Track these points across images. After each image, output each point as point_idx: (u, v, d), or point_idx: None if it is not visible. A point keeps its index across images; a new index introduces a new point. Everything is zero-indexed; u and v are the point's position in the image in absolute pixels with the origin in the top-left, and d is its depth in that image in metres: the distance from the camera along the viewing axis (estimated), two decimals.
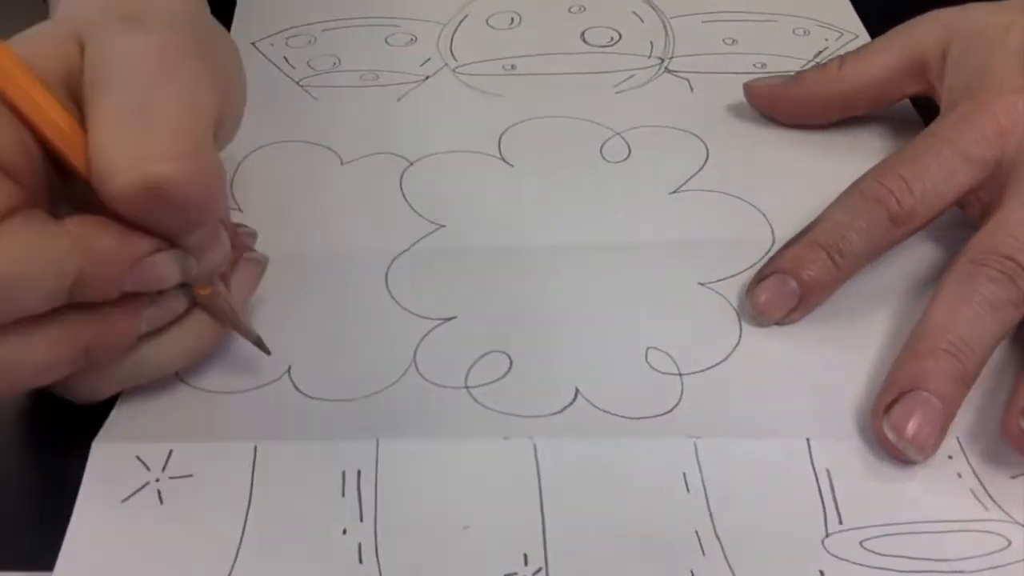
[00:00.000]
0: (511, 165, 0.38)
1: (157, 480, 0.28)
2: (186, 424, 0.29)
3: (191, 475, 0.28)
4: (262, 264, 0.31)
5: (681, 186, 0.37)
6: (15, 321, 0.24)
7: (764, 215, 0.36)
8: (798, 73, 0.40)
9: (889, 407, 0.28)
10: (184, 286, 0.28)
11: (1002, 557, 0.26)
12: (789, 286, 0.31)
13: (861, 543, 0.26)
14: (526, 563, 0.26)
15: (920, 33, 0.37)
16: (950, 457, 0.29)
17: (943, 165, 0.32)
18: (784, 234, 0.34)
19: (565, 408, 0.30)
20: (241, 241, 0.30)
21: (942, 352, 0.28)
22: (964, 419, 0.30)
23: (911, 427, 0.28)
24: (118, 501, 0.27)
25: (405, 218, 0.36)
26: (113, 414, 0.29)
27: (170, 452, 0.28)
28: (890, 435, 0.28)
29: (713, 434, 0.29)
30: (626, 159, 0.38)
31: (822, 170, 0.37)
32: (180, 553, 0.26)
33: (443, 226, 0.35)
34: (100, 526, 0.27)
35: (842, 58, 0.38)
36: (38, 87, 0.25)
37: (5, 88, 0.24)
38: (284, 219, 0.36)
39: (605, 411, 0.30)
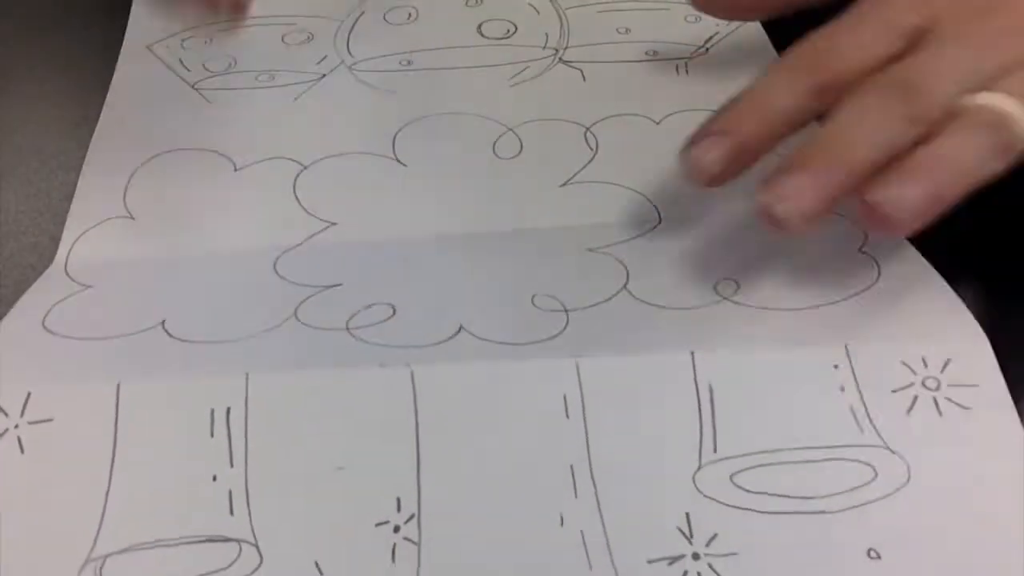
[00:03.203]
0: (404, 165, 0.36)
1: (16, 427, 0.27)
2: (47, 368, 0.28)
3: (51, 419, 0.27)
4: None
5: (570, 179, 0.36)
6: None
7: (650, 200, 0.35)
8: None
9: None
10: None
11: (865, 493, 0.26)
12: (725, 143, 0.31)
13: (731, 477, 0.27)
14: (399, 508, 0.26)
15: None
16: (836, 367, 0.29)
17: (860, 37, 0.31)
18: (670, 215, 0.34)
19: (447, 339, 0.29)
20: None
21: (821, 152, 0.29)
22: (854, 323, 0.30)
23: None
24: None
25: (297, 218, 0.35)
26: None
27: (28, 395, 0.27)
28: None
29: (596, 354, 0.28)
30: (518, 155, 0.37)
31: None
32: (46, 504, 0.26)
33: (334, 223, 0.34)
34: None
35: None
36: None
37: None
38: (176, 226, 0.35)
39: (487, 340, 0.29)
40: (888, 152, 0.29)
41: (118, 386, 0.27)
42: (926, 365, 0.29)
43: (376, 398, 0.28)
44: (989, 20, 0.31)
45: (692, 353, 0.29)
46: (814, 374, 0.28)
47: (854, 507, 0.26)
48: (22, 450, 0.27)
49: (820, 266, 0.31)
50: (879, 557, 0.25)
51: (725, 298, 0.30)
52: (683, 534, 0.26)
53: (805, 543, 0.26)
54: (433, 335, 0.29)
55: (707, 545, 0.26)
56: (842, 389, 0.28)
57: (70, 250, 0.34)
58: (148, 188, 0.36)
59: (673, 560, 0.25)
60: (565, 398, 0.28)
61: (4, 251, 0.34)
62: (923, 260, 0.32)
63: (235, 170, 0.37)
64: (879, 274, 0.31)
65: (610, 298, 0.31)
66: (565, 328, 0.29)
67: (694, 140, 0.31)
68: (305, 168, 0.37)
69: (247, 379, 0.28)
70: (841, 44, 0.31)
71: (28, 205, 0.36)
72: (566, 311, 0.30)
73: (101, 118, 0.39)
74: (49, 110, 0.40)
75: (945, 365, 0.29)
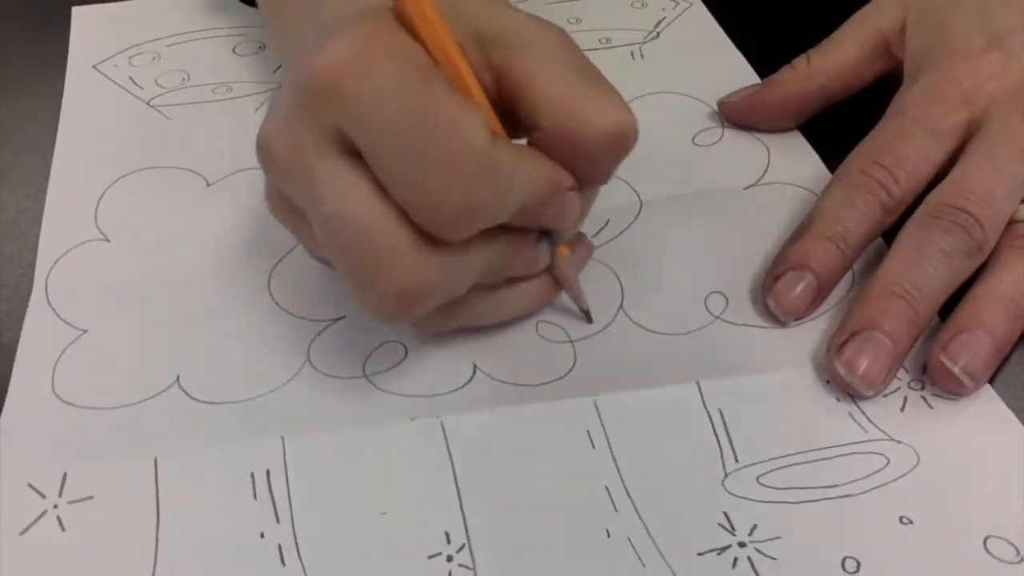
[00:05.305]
0: None
1: (55, 507, 0.27)
2: (77, 444, 0.28)
3: (91, 497, 0.27)
4: (592, 248, 0.33)
5: None
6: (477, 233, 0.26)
7: (628, 183, 0.37)
8: (769, 78, 0.40)
9: (842, 346, 0.30)
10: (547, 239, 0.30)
11: (883, 476, 0.28)
12: (806, 280, 0.32)
13: (758, 479, 0.28)
14: (449, 541, 0.27)
15: (878, 13, 0.38)
16: (827, 382, 0.31)
17: (918, 148, 0.33)
18: (649, 197, 0.37)
19: (465, 384, 0.30)
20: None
21: (894, 296, 0.30)
22: None
23: (862, 364, 0.29)
24: (16, 535, 0.26)
25: (279, 227, 0.35)
26: None
27: (64, 475, 0.27)
28: (842, 371, 0.30)
29: (610, 390, 0.30)
30: None
31: (676, 133, 0.39)
32: None
33: None
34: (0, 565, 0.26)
35: (808, 54, 0.39)
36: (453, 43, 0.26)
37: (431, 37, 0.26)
38: (155, 247, 0.35)
39: (504, 382, 0.30)
40: (952, 289, 0.31)
41: (155, 460, 0.28)
42: (907, 371, 0.31)
43: (410, 448, 0.29)
44: None
45: (698, 383, 0.30)
46: (811, 390, 0.30)
47: (877, 487, 0.28)
48: (63, 528, 0.26)
49: None
50: (911, 522, 0.27)
51: (717, 317, 0.33)
52: (725, 528, 0.27)
53: (841, 520, 0.27)
54: (451, 380, 0.30)
55: (750, 534, 0.27)
56: (838, 400, 0.30)
57: (48, 276, 0.33)
58: (120, 209, 0.36)
59: (721, 551, 0.26)
60: (589, 433, 0.29)
61: (4, 251, 0.34)
62: None
63: (207, 185, 0.37)
64: (853, 283, 0.34)
65: (609, 324, 0.32)
66: (574, 365, 0.31)
67: (775, 272, 0.32)
68: None
69: (283, 441, 0.28)
70: (901, 158, 0.33)
71: (28, 205, 0.36)
72: (571, 342, 0.32)
73: (57, 142, 0.39)
74: (49, 110, 0.40)
75: (924, 369, 0.31)
